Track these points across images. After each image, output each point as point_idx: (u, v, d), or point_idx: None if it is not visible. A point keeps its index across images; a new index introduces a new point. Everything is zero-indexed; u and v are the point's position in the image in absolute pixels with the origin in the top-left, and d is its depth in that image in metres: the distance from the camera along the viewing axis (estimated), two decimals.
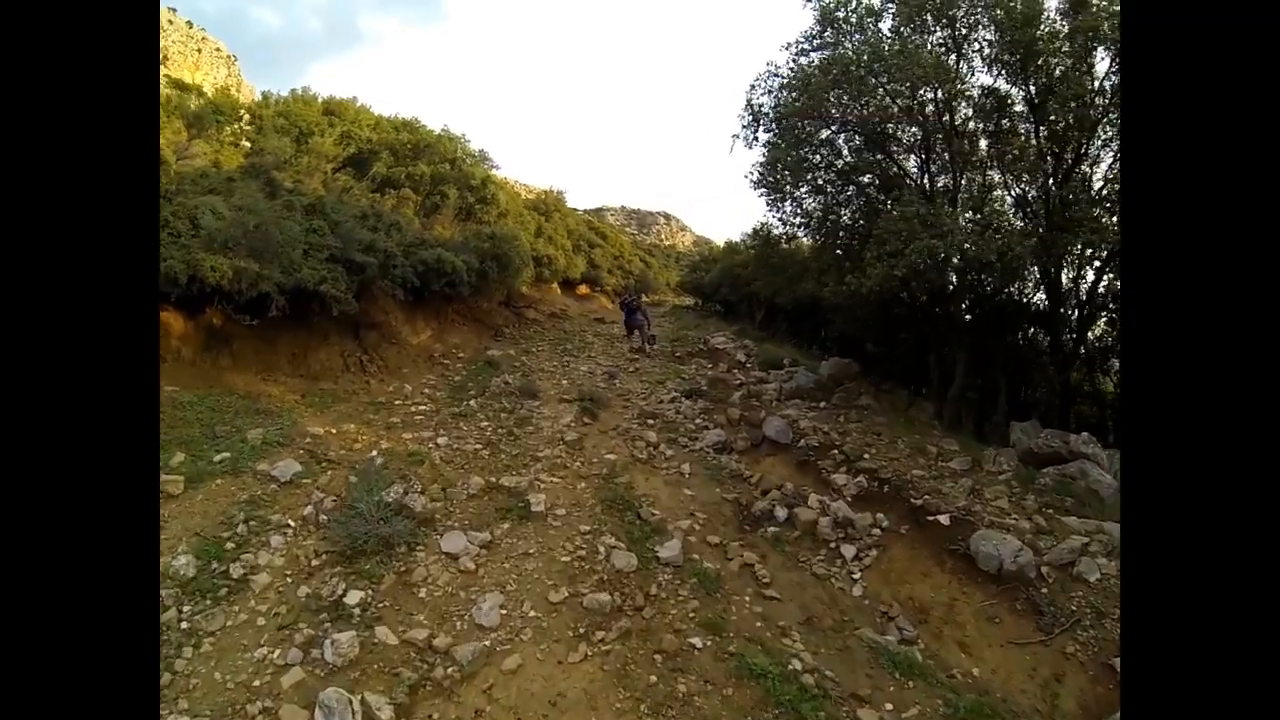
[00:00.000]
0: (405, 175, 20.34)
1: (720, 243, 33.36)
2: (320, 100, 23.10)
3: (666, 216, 55.79)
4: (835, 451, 10.85)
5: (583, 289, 30.19)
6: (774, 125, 12.36)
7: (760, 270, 18.44)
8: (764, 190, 14.01)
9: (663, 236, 52.49)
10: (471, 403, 12.39)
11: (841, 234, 13.69)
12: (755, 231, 17.14)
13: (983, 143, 13.73)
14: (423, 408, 11.78)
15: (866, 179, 13.01)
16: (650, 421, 12.55)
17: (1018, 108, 13.45)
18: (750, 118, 12.82)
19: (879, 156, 12.61)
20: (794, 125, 12.04)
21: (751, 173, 13.53)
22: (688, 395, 14.68)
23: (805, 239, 16.33)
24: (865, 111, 12.44)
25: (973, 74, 13.27)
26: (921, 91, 12.49)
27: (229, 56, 43.10)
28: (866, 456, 10.70)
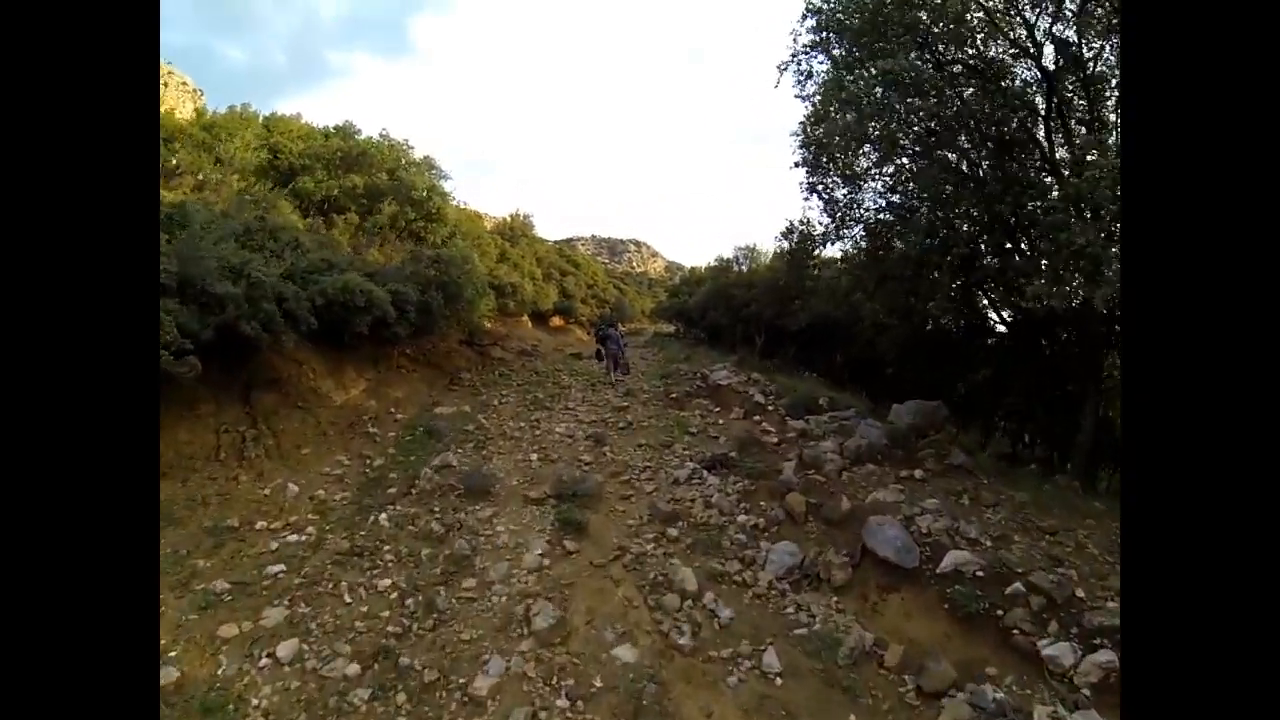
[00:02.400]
0: (337, 190, 14.76)
1: (690, 267, 28.18)
2: (261, 117, 17.47)
3: (637, 244, 50.52)
4: (1019, 585, 5.51)
5: (556, 321, 24.73)
6: (848, 44, 7.06)
7: (793, 283, 12.97)
8: (810, 161, 8.74)
9: (634, 264, 47.14)
10: (382, 517, 6.83)
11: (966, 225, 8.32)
12: (787, 231, 11.72)
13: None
14: (293, 538, 6.18)
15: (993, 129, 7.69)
16: (672, 532, 7.11)
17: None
18: (812, 32, 7.53)
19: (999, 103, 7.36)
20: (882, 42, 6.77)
21: (800, 133, 8.20)
22: (710, 467, 9.28)
23: (851, 241, 11.05)
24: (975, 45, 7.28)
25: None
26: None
27: (195, 90, 37.23)
28: (1079, 594, 5.42)
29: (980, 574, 5.76)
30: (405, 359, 13.86)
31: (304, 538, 6.21)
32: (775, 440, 10.66)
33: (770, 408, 13.31)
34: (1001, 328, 13.41)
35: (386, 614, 5.06)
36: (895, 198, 11.44)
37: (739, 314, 19.07)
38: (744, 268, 20.06)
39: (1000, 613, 5.38)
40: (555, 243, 37.61)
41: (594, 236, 46.59)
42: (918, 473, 8.53)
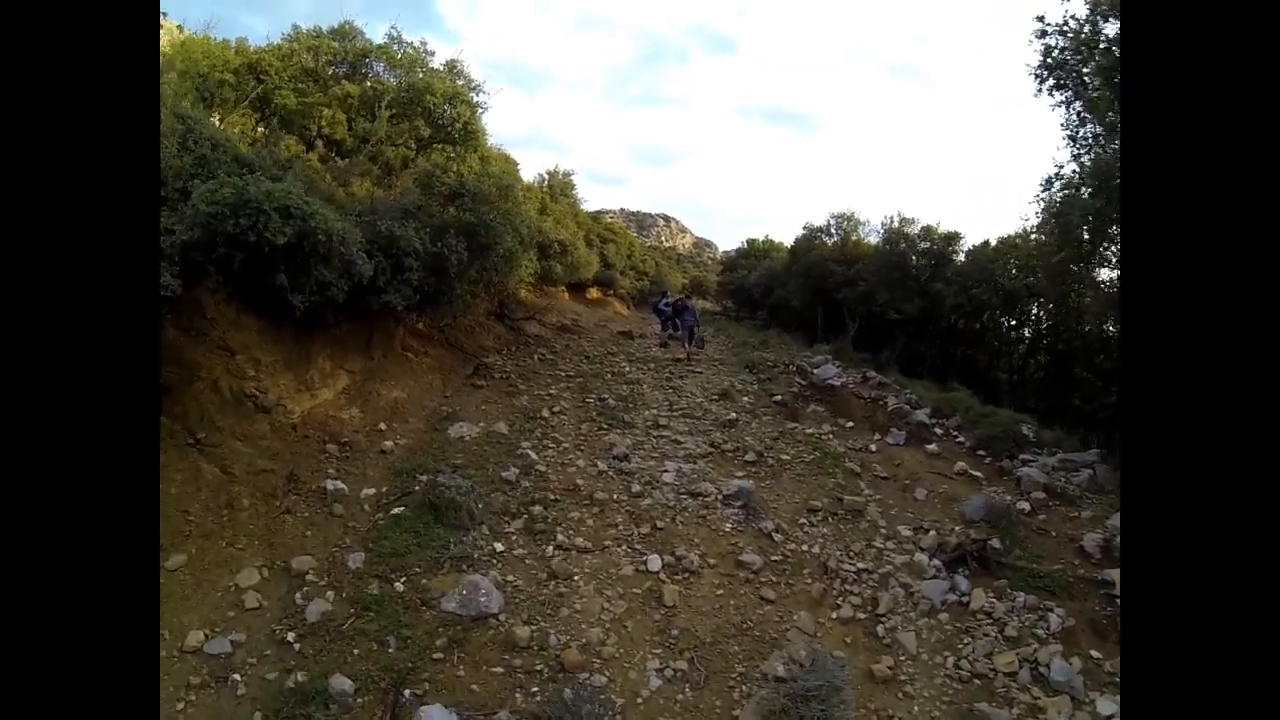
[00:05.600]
0: (324, 101, 9.27)
1: (749, 239, 22.62)
2: (256, 48, 11.69)
3: (666, 219, 44.25)
4: None
5: (593, 293, 19.50)
6: None
7: (1071, 257, 7.56)
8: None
9: (663, 239, 41.15)
10: None
11: None
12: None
13: None
14: None
15: None
16: None
17: None
18: None
19: None
20: None
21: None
22: (957, 563, 4.48)
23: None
24: None
25: None
26: None
27: None
28: None
29: None
30: (414, 337, 8.70)
31: None
32: (1024, 507, 5.61)
33: (939, 430, 8.21)
34: None
35: None
36: None
37: (832, 295, 13.79)
38: (830, 240, 14.64)
39: None
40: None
41: (622, 210, 40.49)
42: None
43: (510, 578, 3.70)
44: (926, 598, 4.34)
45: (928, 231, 12.37)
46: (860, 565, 4.61)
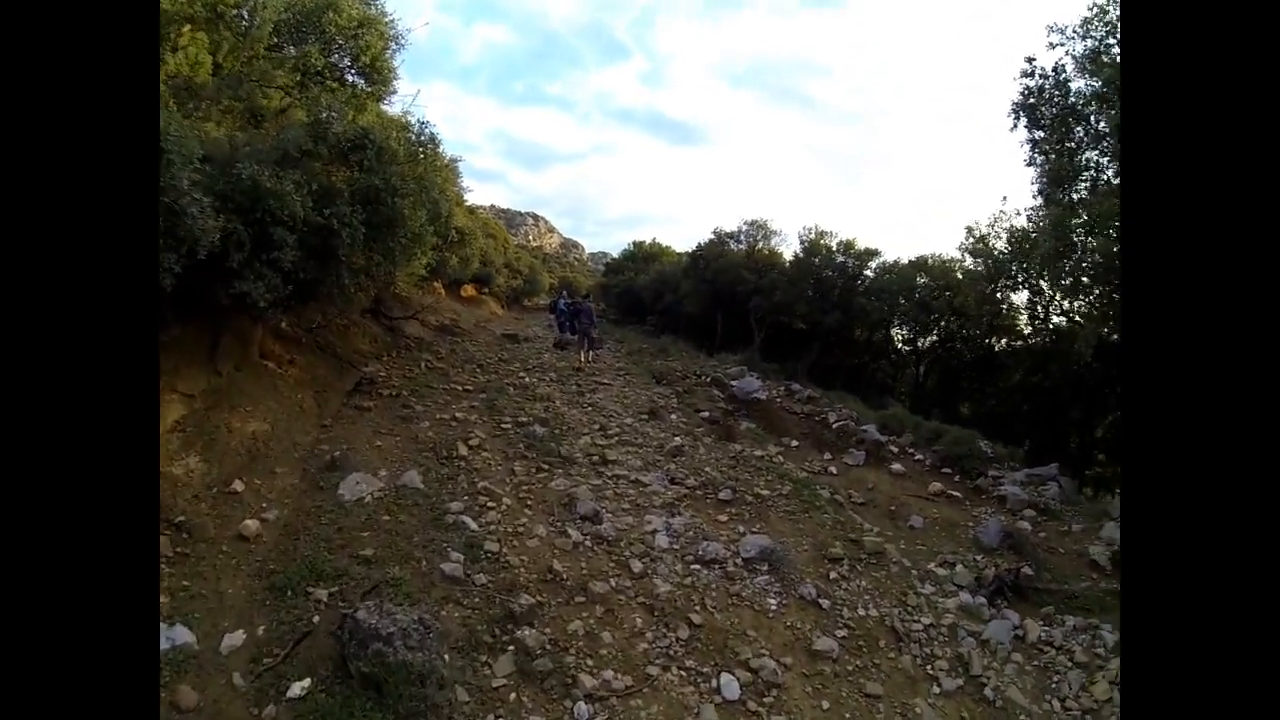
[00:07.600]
0: (185, 11, 6.42)
1: (635, 241, 21.33)
2: None
3: (535, 217, 41.83)
4: None
5: (468, 290, 17.41)
6: None
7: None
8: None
9: (531, 238, 38.79)
10: None
11: None
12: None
13: None
14: None
15: None
16: None
17: None
18: None
19: None
20: None
21: None
22: (995, 594, 4.20)
23: None
24: None
25: None
26: None
27: None
28: None
29: None
30: (275, 340, 6.48)
31: None
32: (1025, 526, 5.31)
33: (894, 449, 7.71)
34: None
35: None
36: None
37: (740, 304, 13.16)
38: (739, 247, 13.96)
39: None
40: None
41: (493, 206, 37.39)
42: None
43: None
44: (1001, 642, 3.98)
45: (847, 246, 12.17)
46: (924, 620, 4.00)
